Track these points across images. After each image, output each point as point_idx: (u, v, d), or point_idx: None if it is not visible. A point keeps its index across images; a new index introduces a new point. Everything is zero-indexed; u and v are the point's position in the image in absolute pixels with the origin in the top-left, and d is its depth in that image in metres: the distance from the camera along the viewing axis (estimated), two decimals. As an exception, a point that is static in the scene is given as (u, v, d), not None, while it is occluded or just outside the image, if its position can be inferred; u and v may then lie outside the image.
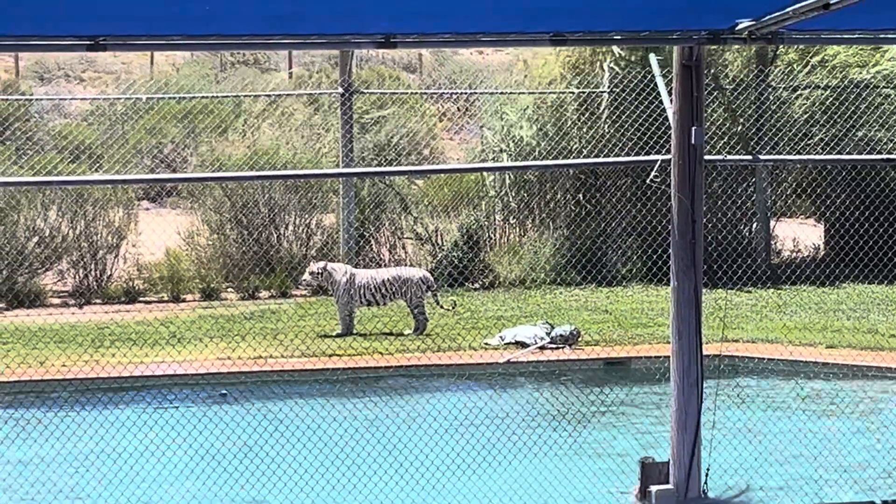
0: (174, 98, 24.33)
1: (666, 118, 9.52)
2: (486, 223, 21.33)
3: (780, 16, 7.35)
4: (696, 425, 8.74)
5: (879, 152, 20.32)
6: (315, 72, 31.95)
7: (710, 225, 19.36)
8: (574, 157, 20.65)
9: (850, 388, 13.95)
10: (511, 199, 21.58)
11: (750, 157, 19.26)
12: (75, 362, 14.20)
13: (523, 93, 22.15)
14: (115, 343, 15.53)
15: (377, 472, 10.09)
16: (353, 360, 14.83)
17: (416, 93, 28.32)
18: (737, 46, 18.99)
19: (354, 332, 16.61)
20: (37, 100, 28.68)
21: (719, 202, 20.31)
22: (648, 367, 13.85)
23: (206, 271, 20.41)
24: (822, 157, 20.35)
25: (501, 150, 21.90)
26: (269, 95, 24.97)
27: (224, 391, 13.69)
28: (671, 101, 8.79)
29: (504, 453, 10.54)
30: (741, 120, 21.25)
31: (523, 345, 15.54)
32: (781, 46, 20.22)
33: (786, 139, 20.75)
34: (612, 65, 20.95)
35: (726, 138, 20.34)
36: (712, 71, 20.77)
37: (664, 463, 9.00)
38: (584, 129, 21.12)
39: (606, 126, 20.93)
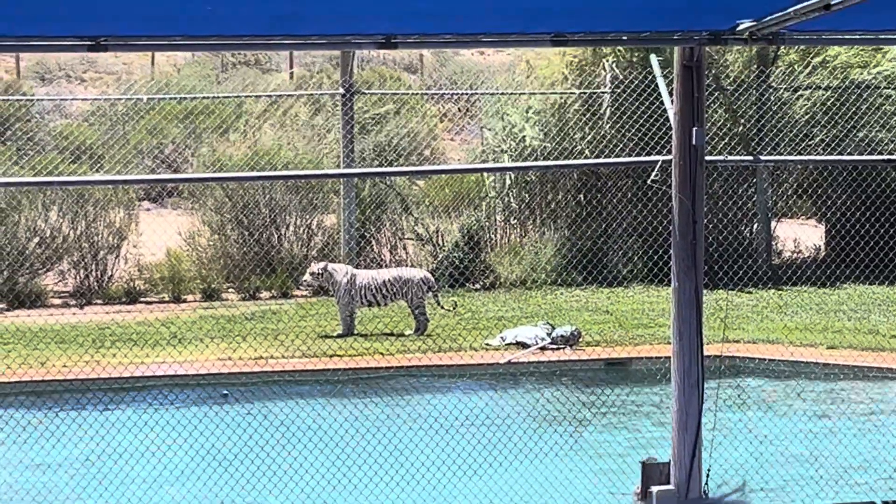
0: (175, 98, 24.33)
1: (667, 119, 9.51)
2: (487, 224, 21.34)
3: (781, 16, 7.34)
4: (697, 426, 8.73)
5: (880, 153, 20.32)
6: (316, 72, 31.96)
7: (711, 226, 19.36)
8: (575, 158, 20.65)
9: (851, 388, 13.95)
10: (512, 200, 21.58)
11: (751, 157, 19.26)
12: (76, 363, 14.21)
13: (524, 93, 22.15)
14: (115, 343, 15.53)
15: (378, 472, 10.09)
16: (354, 361, 14.84)
17: (417, 93, 28.32)
18: (738, 47, 18.98)
19: (355, 332, 16.62)
20: (38, 100, 28.68)
21: (720, 203, 20.31)
22: (649, 367, 13.85)
23: (206, 272, 20.41)
24: (823, 157, 20.34)
25: (502, 151, 21.90)
26: (270, 96, 24.99)
27: (225, 392, 13.69)
28: (672, 101, 8.78)
29: (505, 454, 10.54)
30: (742, 120, 21.25)
31: (524, 345, 15.54)
32: (782, 47, 20.22)
33: (787, 140, 20.75)
34: (613, 65, 20.95)
35: (727, 139, 20.33)
36: (713, 71, 20.77)
37: (665, 463, 8.99)
38: (586, 130, 21.12)
39: (608, 126, 20.94)
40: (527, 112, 21.74)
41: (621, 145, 20.54)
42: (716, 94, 20.83)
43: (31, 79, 34.32)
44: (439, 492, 9.82)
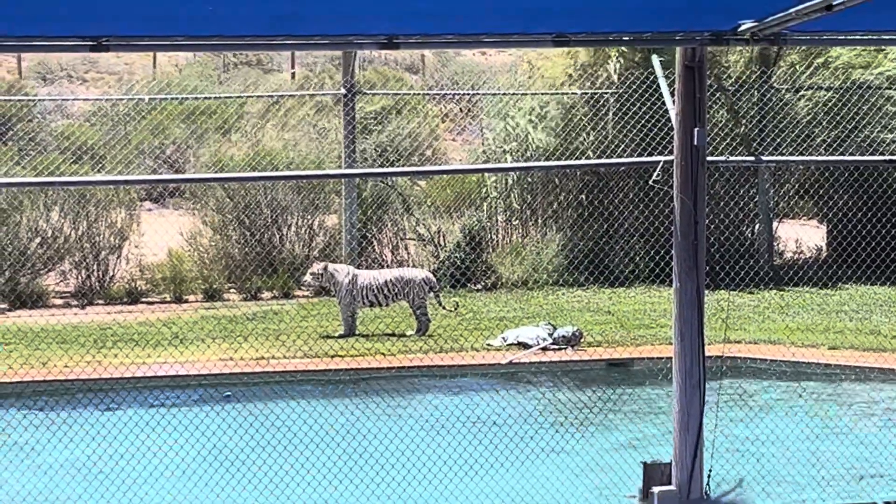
0: (177, 99, 24.33)
1: (669, 119, 9.51)
2: (489, 224, 21.34)
3: (783, 17, 7.34)
4: (699, 427, 8.73)
5: (882, 153, 20.31)
6: (318, 73, 31.95)
7: (712, 226, 19.36)
8: (578, 158, 20.65)
9: (853, 389, 13.95)
10: (514, 200, 21.57)
11: (752, 158, 19.25)
12: (78, 363, 14.21)
13: (525, 94, 22.15)
14: (117, 344, 15.53)
15: (379, 472, 10.09)
16: (356, 361, 14.84)
17: (419, 94, 28.32)
18: (739, 47, 18.98)
19: (357, 332, 16.62)
20: (39, 100, 28.67)
21: (722, 203, 20.30)
22: (651, 368, 13.85)
23: (208, 272, 20.43)
24: (824, 158, 20.34)
25: (504, 151, 21.90)
26: (271, 96, 24.98)
27: (227, 392, 13.69)
28: (674, 102, 8.79)
29: (506, 454, 10.54)
30: (744, 121, 21.24)
31: (526, 346, 15.54)
32: (784, 47, 20.21)
33: (788, 140, 20.74)
34: (615, 65, 20.94)
35: (729, 139, 20.33)
36: (715, 72, 20.76)
37: (666, 464, 9.00)
38: (588, 130, 21.11)
39: (610, 126, 20.93)
40: (530, 113, 21.73)
41: (623, 146, 20.53)
42: (717, 94, 20.82)
43: (32, 79, 34.31)
44: (441, 492, 9.82)
